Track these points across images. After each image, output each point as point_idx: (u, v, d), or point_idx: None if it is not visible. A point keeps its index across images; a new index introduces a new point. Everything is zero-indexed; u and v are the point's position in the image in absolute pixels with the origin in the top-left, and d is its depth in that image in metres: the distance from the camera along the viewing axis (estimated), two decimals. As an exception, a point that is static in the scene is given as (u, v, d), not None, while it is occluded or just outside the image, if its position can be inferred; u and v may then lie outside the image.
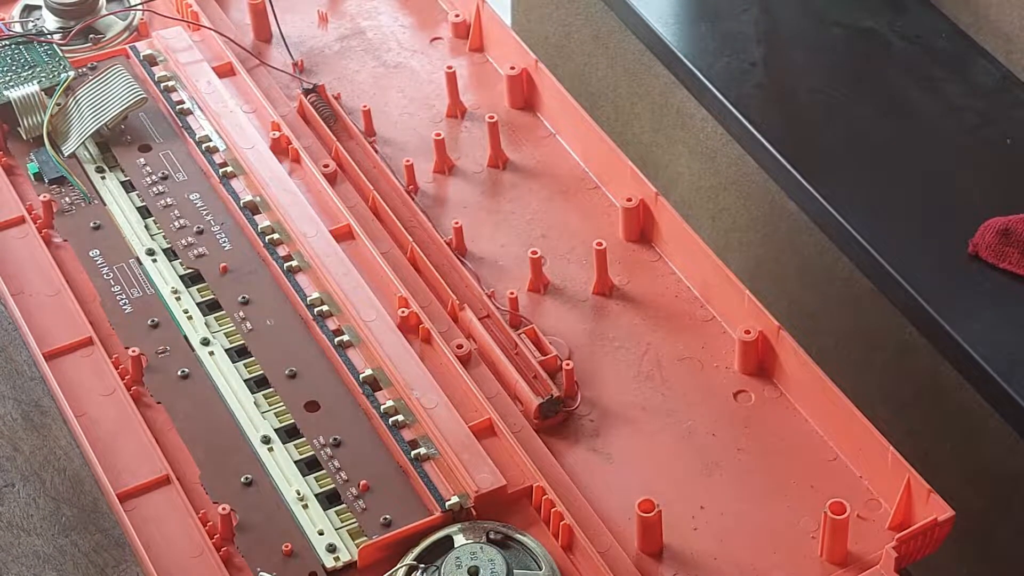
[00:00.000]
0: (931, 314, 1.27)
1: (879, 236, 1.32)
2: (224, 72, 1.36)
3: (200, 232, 1.24)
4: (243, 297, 1.19)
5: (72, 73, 1.32)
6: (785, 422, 1.13)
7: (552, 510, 1.06)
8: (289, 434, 1.11)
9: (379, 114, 1.34)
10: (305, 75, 1.38)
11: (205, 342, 1.16)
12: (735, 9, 1.54)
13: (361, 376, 1.14)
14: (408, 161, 1.28)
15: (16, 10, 1.39)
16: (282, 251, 1.22)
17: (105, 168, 1.29)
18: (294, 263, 1.21)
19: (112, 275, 1.21)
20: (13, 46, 1.34)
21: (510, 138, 1.33)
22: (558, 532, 1.05)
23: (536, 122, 1.35)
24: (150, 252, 1.22)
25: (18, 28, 1.37)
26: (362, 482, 1.07)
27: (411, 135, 1.34)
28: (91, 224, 1.24)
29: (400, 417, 1.11)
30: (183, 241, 1.23)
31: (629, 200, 1.24)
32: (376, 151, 1.31)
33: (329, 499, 1.07)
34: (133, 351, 1.13)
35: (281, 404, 1.13)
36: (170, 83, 1.35)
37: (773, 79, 1.48)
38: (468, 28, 1.41)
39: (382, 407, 1.12)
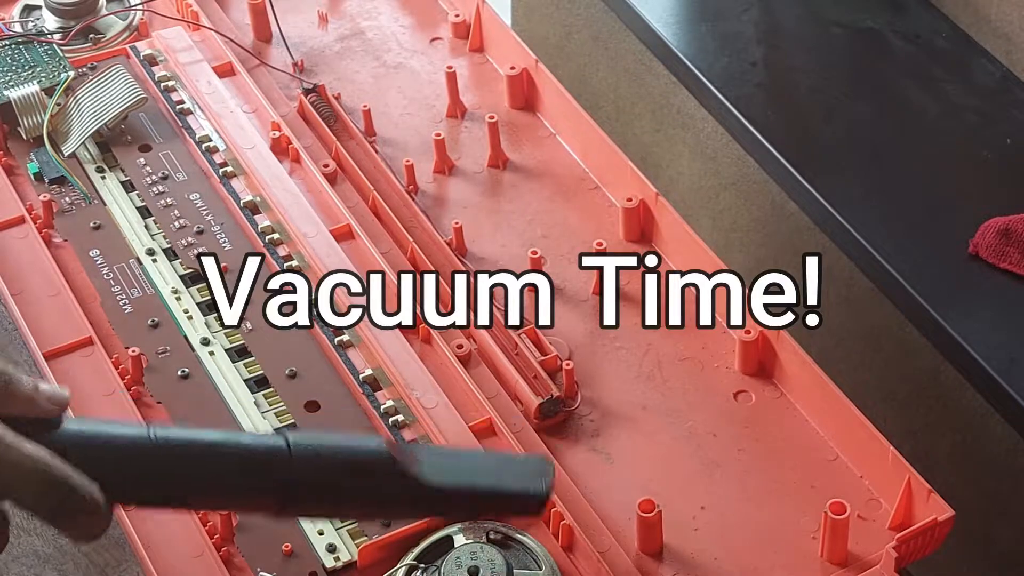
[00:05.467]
0: (931, 314, 1.27)
1: (879, 236, 1.32)
2: (224, 72, 1.36)
3: (200, 232, 1.24)
4: (243, 297, 1.19)
5: (72, 73, 1.32)
6: (785, 422, 1.13)
7: (552, 510, 1.06)
8: (289, 434, 1.11)
9: (379, 114, 1.34)
10: (305, 75, 1.38)
11: (205, 342, 1.16)
12: (735, 9, 1.54)
13: (361, 376, 1.14)
14: (408, 161, 1.28)
15: (16, 10, 1.39)
16: (282, 251, 1.22)
17: (105, 168, 1.28)
18: (294, 263, 1.21)
19: (112, 275, 1.21)
20: (13, 46, 1.34)
21: (510, 138, 1.33)
22: (558, 532, 1.05)
23: (536, 122, 1.35)
24: (150, 252, 1.22)
25: (18, 28, 1.37)
26: (362, 482, 1.07)
27: (411, 135, 1.33)
28: (91, 224, 1.24)
29: (400, 417, 1.11)
30: (183, 241, 1.23)
31: (629, 200, 1.24)
32: (376, 151, 1.31)
33: (329, 499, 1.07)
34: (133, 351, 1.13)
35: (281, 404, 1.13)
36: (170, 83, 1.34)
37: (773, 79, 1.48)
38: (468, 28, 1.41)
39: (382, 407, 1.12)
